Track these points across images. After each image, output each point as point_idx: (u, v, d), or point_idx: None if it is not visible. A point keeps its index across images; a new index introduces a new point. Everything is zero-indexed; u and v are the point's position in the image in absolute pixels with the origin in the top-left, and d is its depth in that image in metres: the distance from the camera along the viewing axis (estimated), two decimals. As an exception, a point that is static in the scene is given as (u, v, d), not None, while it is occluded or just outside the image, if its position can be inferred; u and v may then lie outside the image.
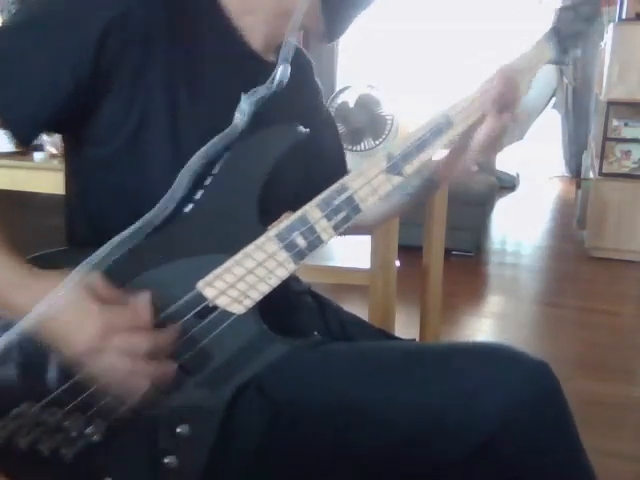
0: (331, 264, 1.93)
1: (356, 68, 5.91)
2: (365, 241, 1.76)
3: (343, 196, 0.80)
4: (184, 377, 0.77)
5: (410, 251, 2.12)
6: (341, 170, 1.08)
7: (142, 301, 0.72)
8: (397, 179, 0.82)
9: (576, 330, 2.66)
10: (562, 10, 0.91)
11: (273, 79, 0.84)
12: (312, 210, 0.79)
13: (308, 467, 0.81)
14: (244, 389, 0.80)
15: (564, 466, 0.79)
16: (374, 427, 0.78)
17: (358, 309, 1.18)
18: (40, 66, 0.73)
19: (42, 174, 1.65)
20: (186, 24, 0.81)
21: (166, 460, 0.75)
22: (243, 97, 0.81)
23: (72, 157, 0.86)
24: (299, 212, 0.79)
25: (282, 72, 0.84)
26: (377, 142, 1.52)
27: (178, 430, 0.76)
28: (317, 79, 1.05)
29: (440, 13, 5.53)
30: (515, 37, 4.91)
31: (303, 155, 0.90)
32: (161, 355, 0.71)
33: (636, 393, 2.16)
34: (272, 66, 0.86)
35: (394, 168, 0.82)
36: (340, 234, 0.82)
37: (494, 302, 3.06)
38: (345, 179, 0.81)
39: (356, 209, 0.81)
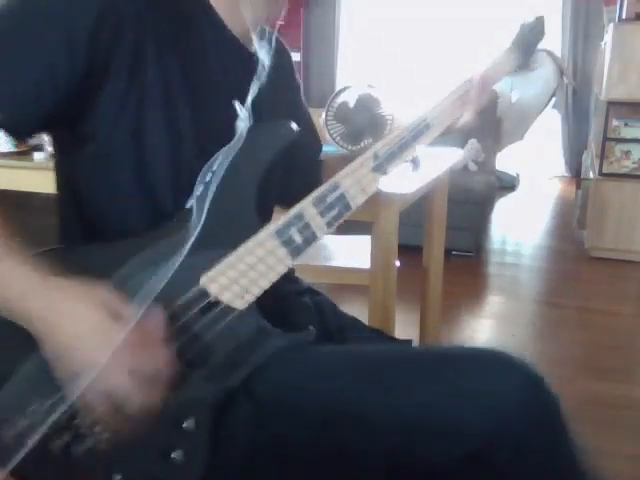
0: (331, 264, 1.93)
1: (356, 68, 5.91)
2: (365, 241, 1.76)
3: (335, 194, 0.83)
4: (189, 372, 0.77)
5: (410, 251, 2.12)
6: (317, 165, 1.13)
7: (169, 360, 0.71)
8: (381, 178, 0.87)
9: (576, 330, 2.66)
10: (522, 26, 1.04)
11: (259, 73, 0.85)
12: (308, 207, 0.81)
13: (304, 469, 0.81)
14: (235, 392, 0.79)
15: (560, 473, 0.78)
16: (369, 430, 0.78)
17: (358, 309, 1.18)
18: (34, 56, 0.72)
19: (42, 174, 1.65)
20: (173, 12, 0.81)
21: (173, 455, 0.76)
22: (239, 105, 0.81)
23: (65, 157, 0.85)
24: (295, 209, 0.81)
25: (263, 59, 0.86)
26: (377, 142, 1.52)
27: (184, 425, 0.76)
28: (297, 75, 1.08)
29: (440, 12, 5.53)
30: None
31: (290, 151, 0.91)
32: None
33: (636, 393, 2.15)
34: (254, 56, 0.88)
35: (380, 167, 0.86)
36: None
37: (494, 302, 3.06)
38: (336, 177, 0.83)
39: (347, 206, 0.83)
